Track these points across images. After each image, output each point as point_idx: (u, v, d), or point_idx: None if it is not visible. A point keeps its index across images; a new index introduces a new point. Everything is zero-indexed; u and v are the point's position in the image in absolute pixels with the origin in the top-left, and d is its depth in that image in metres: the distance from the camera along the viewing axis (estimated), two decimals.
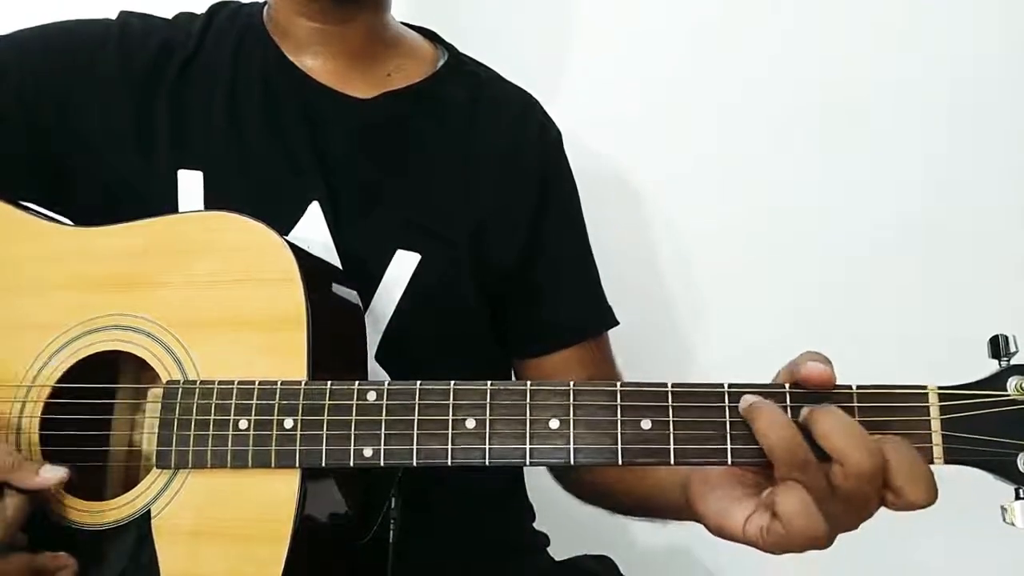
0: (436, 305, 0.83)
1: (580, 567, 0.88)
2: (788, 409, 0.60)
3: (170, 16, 0.89)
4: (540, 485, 0.95)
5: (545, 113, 0.95)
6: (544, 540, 0.95)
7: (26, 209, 0.76)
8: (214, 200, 0.80)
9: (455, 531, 0.84)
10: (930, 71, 1.14)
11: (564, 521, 0.96)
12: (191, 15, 0.89)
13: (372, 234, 0.82)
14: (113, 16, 0.87)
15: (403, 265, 0.82)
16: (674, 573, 1.15)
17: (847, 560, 1.08)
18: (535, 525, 0.96)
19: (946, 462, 0.59)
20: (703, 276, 1.17)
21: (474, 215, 0.85)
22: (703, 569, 1.13)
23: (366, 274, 0.81)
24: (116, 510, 0.68)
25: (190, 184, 0.81)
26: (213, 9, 0.90)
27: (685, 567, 1.14)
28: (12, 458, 0.65)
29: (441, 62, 0.92)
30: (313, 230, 0.81)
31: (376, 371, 0.80)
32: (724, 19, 1.18)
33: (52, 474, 0.66)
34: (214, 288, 0.69)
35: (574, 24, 1.21)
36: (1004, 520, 0.60)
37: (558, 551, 0.92)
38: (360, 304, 0.77)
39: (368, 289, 0.81)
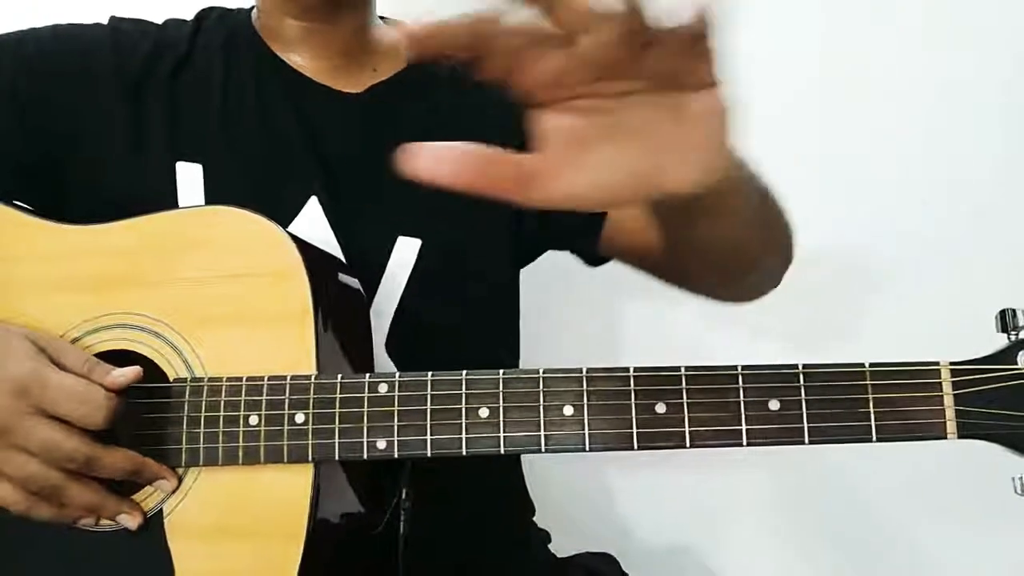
0: (442, 290, 0.83)
1: (581, 564, 0.88)
2: (802, 389, 0.60)
3: (159, 23, 0.89)
4: (541, 482, 0.95)
5: None
6: (545, 537, 0.95)
7: (24, 210, 0.75)
8: (214, 194, 0.79)
9: (454, 527, 0.84)
10: (929, 60, 1.15)
11: (566, 518, 0.96)
12: (180, 21, 0.90)
13: (372, 224, 0.82)
14: (104, 22, 0.87)
15: (405, 252, 0.82)
16: (675, 571, 1.15)
17: (850, 559, 1.10)
18: (537, 522, 0.95)
19: (960, 436, 0.60)
20: None
21: (478, 199, 0.85)
22: (703, 567, 1.14)
23: (369, 264, 0.80)
24: None
25: (190, 177, 0.80)
26: (201, 14, 0.91)
27: (686, 565, 1.15)
28: (89, 361, 0.66)
29: None
30: (312, 225, 0.80)
31: (383, 360, 0.80)
32: (722, 16, 1.17)
33: (122, 375, 0.66)
34: (218, 284, 0.69)
35: None
36: (1016, 492, 0.60)
37: (560, 548, 0.92)
38: (362, 291, 0.77)
39: (372, 279, 0.80)
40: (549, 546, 0.94)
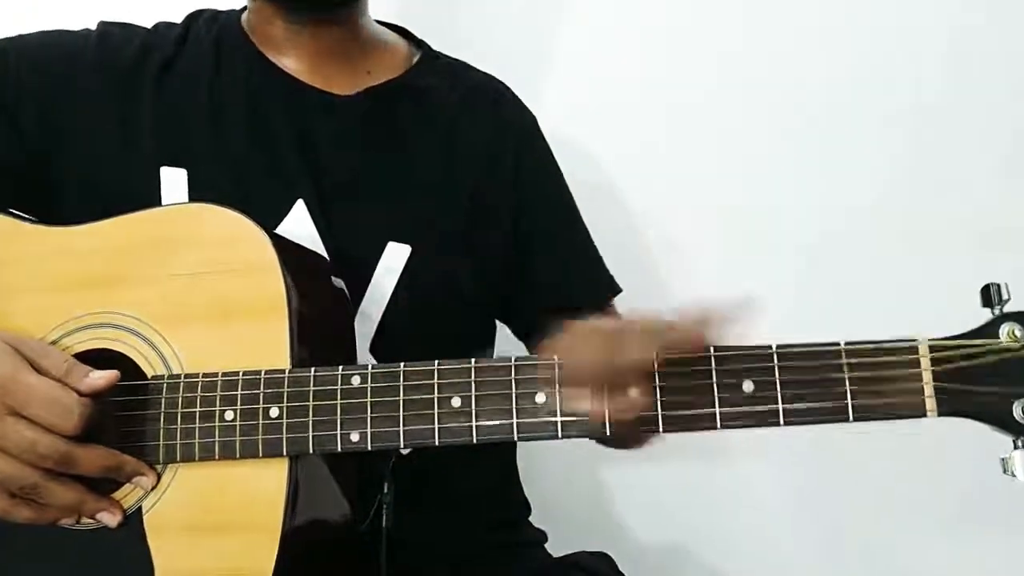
0: (429, 297, 0.83)
1: (578, 564, 0.86)
2: (776, 370, 0.59)
3: (149, 27, 0.90)
4: (537, 482, 0.95)
5: (517, 97, 0.96)
6: (542, 536, 0.93)
7: (5, 212, 0.76)
8: (198, 198, 0.79)
9: (451, 528, 0.83)
10: (911, 49, 1.14)
11: (562, 518, 0.96)
12: (170, 24, 0.90)
13: (361, 229, 0.82)
14: (93, 27, 0.88)
15: (394, 258, 0.82)
16: (672, 571, 1.14)
17: (847, 555, 1.07)
18: (533, 522, 0.94)
19: (940, 414, 0.58)
20: (690, 244, 1.15)
21: (461, 203, 0.85)
22: (701, 567, 1.12)
23: (358, 269, 0.80)
24: None
25: (174, 182, 0.81)
26: (191, 16, 0.91)
27: (683, 565, 1.13)
28: (66, 364, 0.66)
29: (416, 58, 0.93)
30: (299, 227, 0.81)
31: (367, 358, 0.79)
32: (718, 18, 1.18)
33: (101, 378, 0.65)
34: (194, 280, 0.69)
35: (564, 22, 1.21)
36: (1004, 472, 0.58)
37: (556, 548, 0.91)
38: (345, 289, 0.76)
39: (360, 284, 0.80)
40: (545, 546, 0.93)
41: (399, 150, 0.86)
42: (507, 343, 0.92)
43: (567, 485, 1.09)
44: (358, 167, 0.84)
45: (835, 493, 1.09)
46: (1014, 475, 0.58)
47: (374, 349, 0.80)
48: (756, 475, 1.10)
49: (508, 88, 0.96)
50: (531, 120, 0.95)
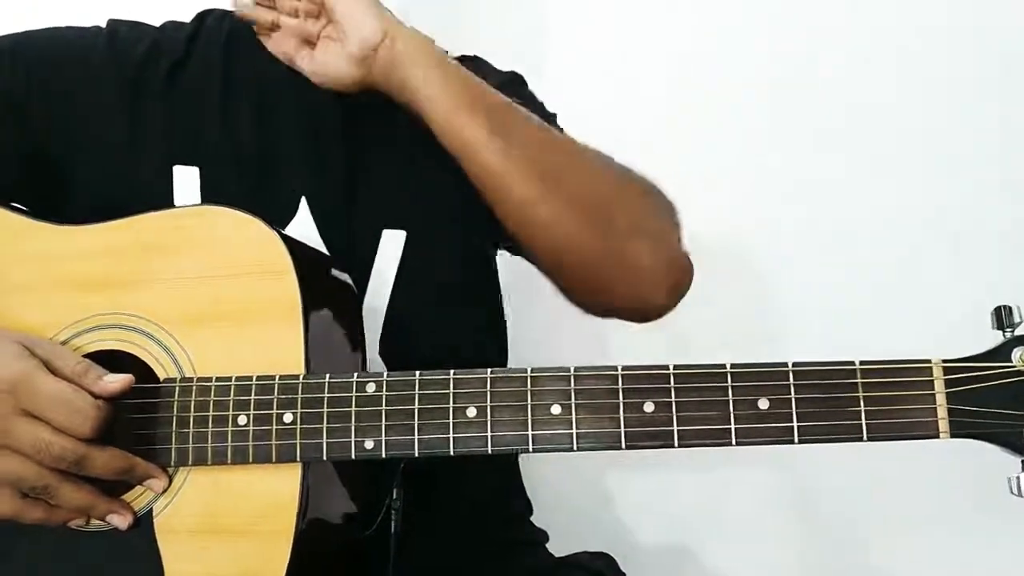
0: (430, 281, 0.83)
1: (579, 564, 0.87)
2: (792, 388, 0.60)
3: (158, 26, 0.89)
4: (539, 481, 0.95)
5: None
6: (543, 536, 0.94)
7: (16, 210, 0.75)
8: (211, 197, 0.79)
9: (453, 528, 0.83)
10: (929, 61, 1.15)
11: (564, 518, 0.96)
12: (178, 24, 0.90)
13: (357, 219, 0.82)
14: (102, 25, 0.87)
15: (391, 245, 0.82)
16: (673, 571, 1.15)
17: (848, 558, 1.09)
18: (534, 522, 0.95)
19: (952, 436, 0.59)
20: (703, 261, 1.16)
21: (457, 184, 0.85)
22: (701, 566, 1.14)
23: (357, 261, 0.80)
24: None
25: (186, 180, 0.80)
26: (201, 15, 0.91)
27: (684, 565, 1.15)
28: (81, 365, 0.66)
29: None
30: (305, 226, 0.81)
31: (375, 359, 0.79)
32: (720, 19, 1.18)
33: (116, 381, 0.65)
34: (208, 283, 0.69)
35: (569, 20, 1.21)
36: (1011, 492, 0.59)
37: (557, 548, 0.92)
38: (354, 288, 0.76)
39: (361, 277, 0.80)
40: (547, 546, 0.93)
41: (397, 139, 0.85)
42: (517, 346, 0.92)
43: (569, 485, 1.09)
44: (353, 159, 0.84)
45: (836, 496, 1.10)
46: (1020, 495, 0.59)
47: (381, 343, 0.80)
48: (758, 476, 1.11)
49: None
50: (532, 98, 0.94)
